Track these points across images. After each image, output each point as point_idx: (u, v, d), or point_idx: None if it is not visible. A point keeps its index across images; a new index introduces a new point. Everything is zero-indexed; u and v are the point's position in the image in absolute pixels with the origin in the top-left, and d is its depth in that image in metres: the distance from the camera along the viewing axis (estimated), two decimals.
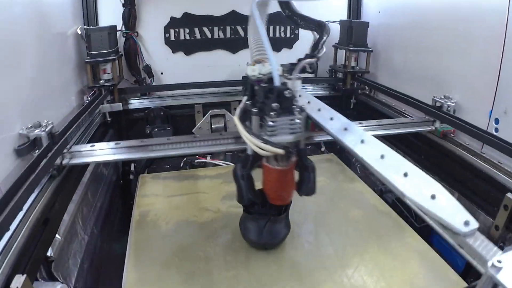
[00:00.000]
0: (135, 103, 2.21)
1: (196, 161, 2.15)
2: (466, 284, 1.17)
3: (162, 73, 2.39)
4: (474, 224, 0.64)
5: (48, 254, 1.12)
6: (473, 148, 1.53)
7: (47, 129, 1.26)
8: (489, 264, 0.57)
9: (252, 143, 1.01)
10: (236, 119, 1.09)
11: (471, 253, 0.64)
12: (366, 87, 2.36)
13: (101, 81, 2.01)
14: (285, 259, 1.30)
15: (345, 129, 0.97)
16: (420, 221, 1.52)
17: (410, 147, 1.89)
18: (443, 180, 1.63)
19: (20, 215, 1.00)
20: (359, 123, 1.62)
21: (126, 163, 2.24)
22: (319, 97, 2.30)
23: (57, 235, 1.21)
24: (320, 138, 1.46)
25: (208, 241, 1.39)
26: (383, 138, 2.02)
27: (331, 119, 1.02)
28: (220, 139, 1.49)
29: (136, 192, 1.75)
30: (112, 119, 2.11)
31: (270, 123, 1.00)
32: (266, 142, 0.99)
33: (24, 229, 0.98)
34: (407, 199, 0.70)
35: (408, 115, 1.94)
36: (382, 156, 0.82)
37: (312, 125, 1.05)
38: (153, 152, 1.40)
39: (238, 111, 1.12)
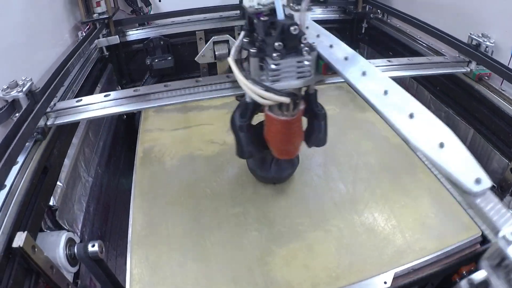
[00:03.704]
0: (133, 34, 2.10)
1: None
2: (478, 229, 1.13)
3: (160, 0, 2.27)
4: (486, 182, 0.53)
5: (51, 203, 1.10)
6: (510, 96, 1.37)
7: (24, 89, 1.09)
8: (500, 234, 0.48)
9: (251, 90, 0.86)
10: (230, 60, 0.92)
11: (481, 217, 0.54)
12: (378, 10, 2.20)
13: (95, 15, 1.90)
14: (294, 194, 1.28)
15: (346, 58, 0.82)
16: None
17: (440, 87, 1.71)
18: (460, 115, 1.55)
19: (15, 168, 0.96)
20: (388, 60, 1.43)
21: None
22: (329, 21, 2.25)
23: (58, 182, 1.17)
24: (334, 80, 1.19)
25: (214, 176, 1.37)
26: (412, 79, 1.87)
27: (331, 46, 0.87)
28: (226, 83, 1.28)
29: (139, 127, 1.70)
30: (110, 53, 2.02)
31: (272, 66, 0.84)
32: (267, 89, 0.84)
33: (22, 183, 0.94)
34: (411, 145, 0.60)
35: (423, 42, 1.80)
36: (385, 92, 0.70)
37: (324, 67, 0.88)
38: (148, 103, 1.23)
39: (233, 50, 0.95)
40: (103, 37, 1.96)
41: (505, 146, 1.34)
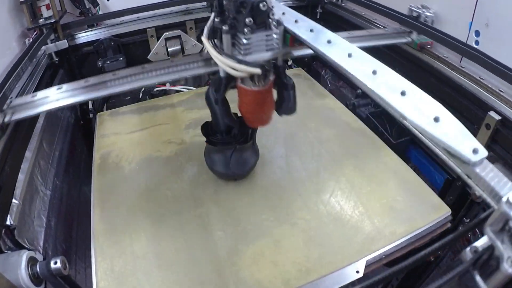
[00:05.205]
0: (82, 37, 2.00)
1: (155, 89, 2.04)
2: (447, 207, 1.14)
3: (108, 0, 2.18)
4: (483, 152, 0.57)
5: (8, 222, 1.04)
6: (452, 62, 1.40)
7: None
8: (504, 199, 0.50)
9: (225, 64, 0.93)
10: (204, 39, 1.00)
11: (482, 185, 0.57)
12: None
13: (41, 20, 1.80)
14: (257, 189, 1.26)
15: (329, 41, 0.87)
16: (396, 137, 1.46)
17: (384, 59, 1.74)
18: None
19: None
20: None
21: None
22: None
23: (14, 200, 1.12)
24: (301, 52, 1.21)
25: (174, 177, 1.34)
26: None
27: (311, 31, 0.93)
28: (172, 67, 1.30)
29: (94, 133, 1.64)
30: (60, 58, 1.93)
31: (244, 40, 0.91)
32: (240, 62, 0.92)
33: None
34: (408, 121, 0.62)
35: (379, 25, 1.77)
36: (374, 72, 0.73)
37: (291, 39, 0.97)
38: (100, 91, 1.25)
39: (206, 30, 1.02)
40: (51, 43, 1.86)
41: (469, 123, 1.33)
